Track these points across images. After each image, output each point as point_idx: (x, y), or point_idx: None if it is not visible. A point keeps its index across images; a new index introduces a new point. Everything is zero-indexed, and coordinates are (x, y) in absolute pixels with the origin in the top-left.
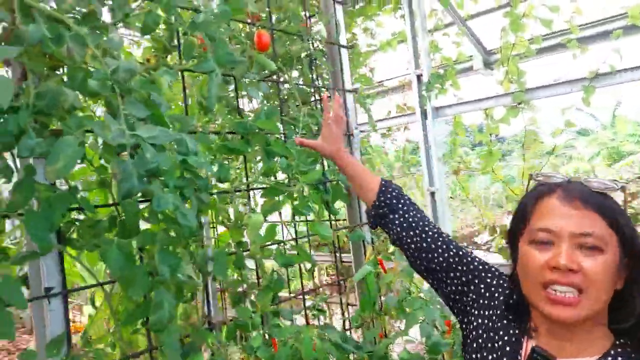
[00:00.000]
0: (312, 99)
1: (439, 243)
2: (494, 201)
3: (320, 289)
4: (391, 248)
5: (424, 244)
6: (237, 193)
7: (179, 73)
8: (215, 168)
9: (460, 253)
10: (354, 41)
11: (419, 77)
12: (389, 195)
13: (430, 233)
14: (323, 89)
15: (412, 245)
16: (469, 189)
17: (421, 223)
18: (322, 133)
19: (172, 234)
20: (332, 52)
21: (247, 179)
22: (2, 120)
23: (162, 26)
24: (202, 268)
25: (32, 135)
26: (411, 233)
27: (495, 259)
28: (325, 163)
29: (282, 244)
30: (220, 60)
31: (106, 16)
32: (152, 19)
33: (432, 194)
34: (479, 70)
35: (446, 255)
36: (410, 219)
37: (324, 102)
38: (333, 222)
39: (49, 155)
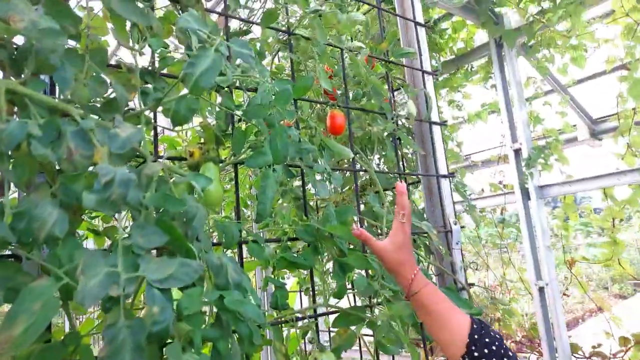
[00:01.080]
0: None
1: None
2: (597, 280)
3: None
4: None
5: None
6: (299, 323)
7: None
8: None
9: None
10: (445, 123)
11: (517, 151)
12: (485, 350)
13: None
14: (413, 176)
15: None
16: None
17: None
18: (391, 234)
19: None
20: (422, 130)
21: (312, 301)
22: None
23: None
24: None
25: None
26: None
27: None
28: None
29: None
30: (279, 154)
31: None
32: (186, 105)
33: (541, 289)
34: (584, 140)
35: None
36: None
37: (397, 192)
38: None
39: (6, 317)
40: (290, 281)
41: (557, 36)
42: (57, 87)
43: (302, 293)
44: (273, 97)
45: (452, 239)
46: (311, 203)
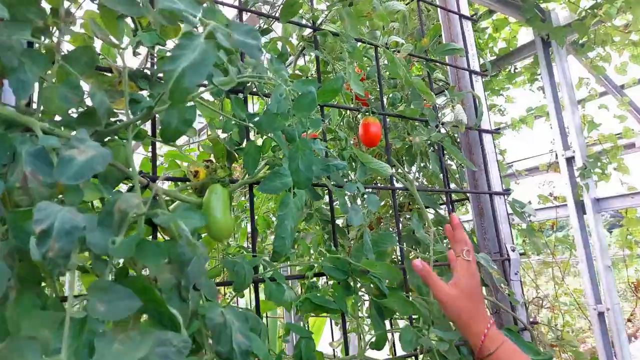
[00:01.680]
0: (440, 201)
1: None
2: None
3: None
4: None
5: None
6: None
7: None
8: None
9: None
10: (499, 131)
11: (569, 160)
12: None
13: None
14: (463, 196)
15: None
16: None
17: None
18: (455, 276)
19: None
20: (470, 139)
21: (345, 353)
22: None
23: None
24: None
25: None
26: None
27: None
28: None
29: None
30: (300, 176)
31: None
32: (178, 115)
33: (601, 314)
34: None
35: None
36: None
37: (453, 226)
38: None
39: None
40: None
41: (613, 32)
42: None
43: (333, 323)
44: (292, 103)
45: (510, 268)
46: (339, 221)
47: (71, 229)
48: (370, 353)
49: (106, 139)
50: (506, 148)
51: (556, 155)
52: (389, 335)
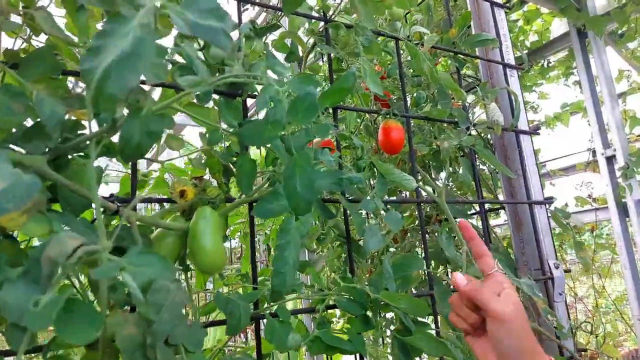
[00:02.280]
0: (472, 211)
1: None
2: None
3: None
4: None
5: None
6: None
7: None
8: None
9: None
10: (538, 132)
11: (609, 159)
12: None
13: None
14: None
15: None
16: None
17: None
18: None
19: None
20: (505, 142)
21: None
22: None
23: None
24: None
25: None
26: None
27: None
28: None
29: None
30: (298, 199)
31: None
32: (141, 127)
33: None
34: None
35: None
36: None
37: (465, 238)
38: None
39: None
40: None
41: None
42: None
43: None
44: (284, 110)
45: (553, 288)
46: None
47: None
48: None
49: (73, 156)
50: (540, 147)
51: (594, 153)
52: None
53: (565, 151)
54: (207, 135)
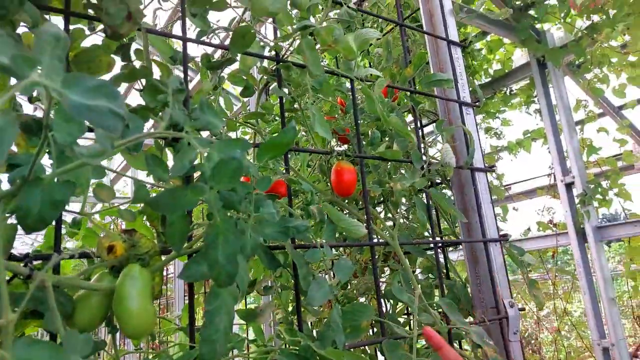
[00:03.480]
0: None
1: None
2: None
3: None
4: None
5: None
6: None
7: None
8: None
9: None
10: (494, 169)
11: (568, 185)
12: None
13: None
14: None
15: None
16: None
17: None
18: None
19: None
20: (461, 179)
21: None
22: None
23: None
24: None
25: None
26: None
27: None
28: None
29: None
30: (221, 270)
31: None
32: (37, 200)
33: (605, 350)
34: None
35: None
36: None
37: (433, 345)
38: None
39: None
40: None
41: (611, 53)
42: None
43: None
44: (210, 169)
45: (508, 327)
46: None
47: None
48: None
49: None
50: (504, 172)
51: (554, 178)
52: None
53: (528, 175)
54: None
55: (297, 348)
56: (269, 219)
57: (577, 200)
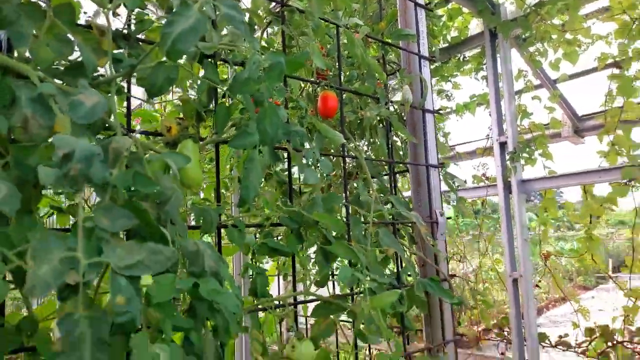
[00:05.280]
0: (384, 172)
1: None
2: (563, 273)
3: None
4: None
5: None
6: (279, 310)
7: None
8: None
9: None
10: (440, 112)
11: (502, 144)
12: None
13: None
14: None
15: None
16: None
17: None
18: None
19: None
20: (414, 117)
21: (293, 289)
22: None
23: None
24: None
25: None
26: None
27: None
28: (400, 262)
29: None
30: (267, 135)
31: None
32: (163, 74)
33: (515, 280)
34: (567, 137)
35: None
36: None
37: None
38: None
39: None
40: (268, 265)
41: (552, 30)
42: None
43: (280, 278)
44: (262, 71)
45: (437, 229)
46: (294, 187)
47: (89, 154)
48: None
49: None
50: (450, 131)
51: (491, 139)
52: (330, 284)
53: (472, 137)
54: (194, 85)
55: (291, 214)
56: (282, 118)
57: (507, 158)
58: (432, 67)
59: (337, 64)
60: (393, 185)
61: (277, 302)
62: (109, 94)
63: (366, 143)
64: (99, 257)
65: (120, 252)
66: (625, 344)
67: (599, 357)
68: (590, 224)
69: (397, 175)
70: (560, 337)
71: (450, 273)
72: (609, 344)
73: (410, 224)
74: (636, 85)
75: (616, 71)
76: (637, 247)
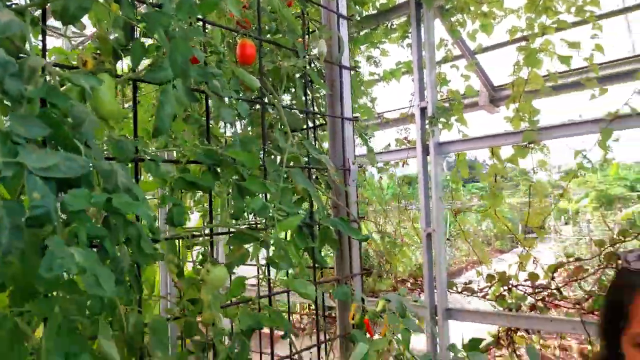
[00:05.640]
0: (305, 126)
1: None
2: (483, 237)
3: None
4: (380, 305)
5: None
6: (196, 240)
7: (130, 84)
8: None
9: None
10: (357, 68)
11: (423, 110)
12: None
13: None
14: (318, 115)
15: None
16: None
17: None
18: None
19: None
20: (332, 73)
21: (210, 221)
22: None
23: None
24: (134, 342)
25: None
26: None
27: (489, 307)
28: (314, 202)
29: (250, 302)
30: (178, 67)
31: None
32: (75, 3)
33: (429, 235)
34: (484, 106)
35: None
36: None
37: None
38: (321, 274)
39: None
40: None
41: (470, 1)
42: None
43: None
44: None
45: (349, 176)
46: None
47: (4, 62)
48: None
49: None
50: (377, 97)
51: (413, 104)
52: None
53: (399, 105)
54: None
55: (207, 152)
56: (199, 58)
57: (426, 122)
58: (362, 33)
59: (257, 14)
60: (314, 137)
61: (192, 234)
62: (25, 22)
63: (289, 98)
64: (14, 158)
65: (35, 156)
66: (518, 287)
67: (496, 300)
68: (495, 182)
69: (318, 129)
70: (465, 284)
71: (360, 216)
72: (505, 287)
73: (327, 172)
74: (540, 57)
75: (524, 44)
76: (532, 203)
